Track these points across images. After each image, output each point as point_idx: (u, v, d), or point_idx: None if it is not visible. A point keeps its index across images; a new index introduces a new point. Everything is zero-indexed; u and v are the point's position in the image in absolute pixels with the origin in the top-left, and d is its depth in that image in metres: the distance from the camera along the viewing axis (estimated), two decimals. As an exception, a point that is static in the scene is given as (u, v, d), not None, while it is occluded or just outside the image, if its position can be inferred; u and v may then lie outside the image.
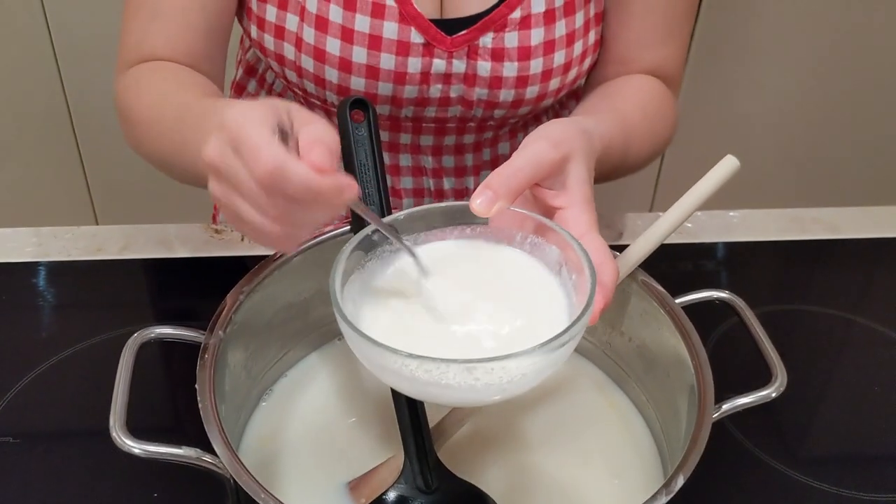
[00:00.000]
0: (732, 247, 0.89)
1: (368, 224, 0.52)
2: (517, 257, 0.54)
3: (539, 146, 0.53)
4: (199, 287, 0.82)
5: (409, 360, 0.44)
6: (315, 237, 0.64)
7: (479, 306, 0.51)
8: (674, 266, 0.85)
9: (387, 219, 0.54)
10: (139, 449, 0.50)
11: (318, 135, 0.47)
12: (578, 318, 0.46)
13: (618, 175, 0.73)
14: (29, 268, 0.83)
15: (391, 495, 0.55)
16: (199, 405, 0.51)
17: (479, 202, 0.50)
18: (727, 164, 0.60)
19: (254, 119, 0.46)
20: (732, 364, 0.67)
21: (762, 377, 0.58)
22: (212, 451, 0.50)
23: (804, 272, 0.89)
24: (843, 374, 0.77)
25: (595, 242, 0.52)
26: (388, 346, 0.45)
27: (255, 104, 0.48)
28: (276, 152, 0.45)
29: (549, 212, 0.55)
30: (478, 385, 0.45)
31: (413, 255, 0.53)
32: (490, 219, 0.53)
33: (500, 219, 0.54)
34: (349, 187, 0.46)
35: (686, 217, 0.59)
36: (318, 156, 0.45)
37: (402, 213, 0.54)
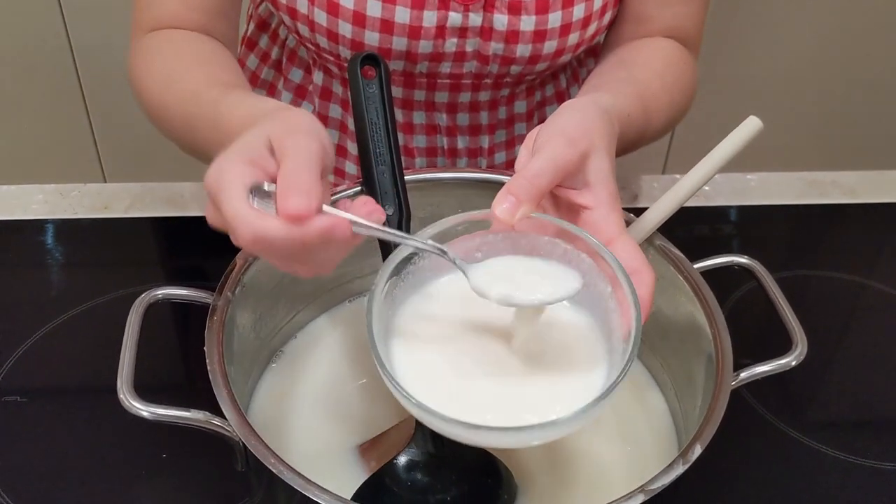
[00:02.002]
0: (749, 210, 0.88)
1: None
2: (547, 270, 0.51)
3: (556, 146, 0.51)
4: (207, 246, 0.80)
5: (461, 427, 0.44)
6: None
7: (521, 338, 0.49)
8: (689, 230, 0.84)
9: (418, 234, 0.51)
10: (147, 412, 0.49)
11: (293, 171, 0.46)
12: (622, 372, 0.44)
13: (635, 148, 0.71)
14: (35, 225, 0.82)
15: (402, 459, 0.54)
16: (208, 368, 0.51)
17: (501, 209, 0.49)
18: (749, 126, 0.58)
19: (228, 183, 0.46)
20: (748, 331, 0.66)
21: (779, 344, 0.57)
22: (221, 414, 0.50)
23: (821, 236, 0.87)
24: (860, 340, 0.76)
25: (627, 247, 0.50)
26: (441, 413, 0.44)
27: (232, 155, 0.47)
28: (251, 222, 0.44)
29: (574, 210, 0.53)
30: (532, 438, 0.45)
31: (443, 253, 0.49)
32: (514, 225, 0.51)
33: (523, 224, 0.51)
34: (338, 227, 0.45)
35: (706, 180, 0.57)
36: (294, 205, 0.44)
37: (429, 228, 0.51)
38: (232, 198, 0.45)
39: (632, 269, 0.48)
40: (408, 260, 0.51)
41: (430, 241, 0.49)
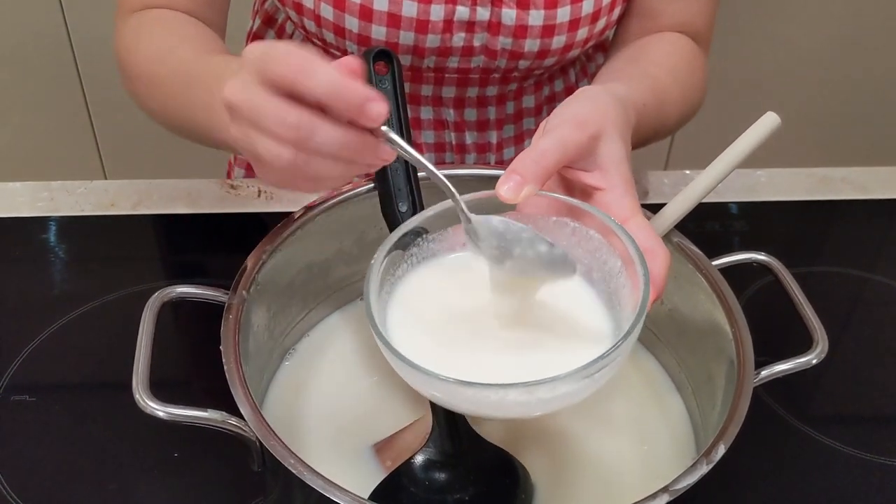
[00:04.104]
0: (759, 207, 0.87)
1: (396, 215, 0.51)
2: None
3: (564, 128, 0.50)
4: (213, 244, 0.80)
5: (466, 387, 0.42)
6: (336, 195, 0.62)
7: (525, 307, 0.48)
8: (699, 226, 0.83)
9: (415, 218, 0.51)
10: (163, 412, 0.49)
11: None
12: (633, 327, 0.43)
13: (650, 142, 0.70)
14: (40, 223, 0.81)
15: (419, 459, 0.54)
16: (225, 367, 0.50)
17: (506, 188, 0.48)
18: (767, 121, 0.57)
19: (280, 44, 0.45)
20: (765, 328, 0.65)
21: (795, 341, 0.56)
22: (236, 413, 0.49)
23: (832, 233, 0.87)
24: (875, 336, 0.75)
25: (641, 227, 0.49)
26: (442, 375, 0.43)
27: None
28: (305, 54, 0.43)
29: (586, 193, 0.52)
30: (537, 401, 0.43)
31: (465, 213, 0.48)
32: (519, 206, 0.50)
33: (530, 204, 0.51)
34: (376, 99, 0.43)
35: (724, 177, 0.57)
36: (348, 60, 0.44)
37: (429, 209, 0.51)
38: (285, 46, 0.44)
39: (645, 248, 0.47)
40: (413, 239, 0.51)
41: (441, 172, 0.48)
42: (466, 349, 0.48)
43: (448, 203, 0.50)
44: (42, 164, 1.62)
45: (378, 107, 0.43)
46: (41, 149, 1.62)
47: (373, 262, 0.48)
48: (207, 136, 0.63)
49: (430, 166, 0.47)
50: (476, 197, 0.51)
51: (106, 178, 1.50)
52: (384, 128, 0.45)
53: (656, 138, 0.71)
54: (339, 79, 0.43)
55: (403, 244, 0.50)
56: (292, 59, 0.43)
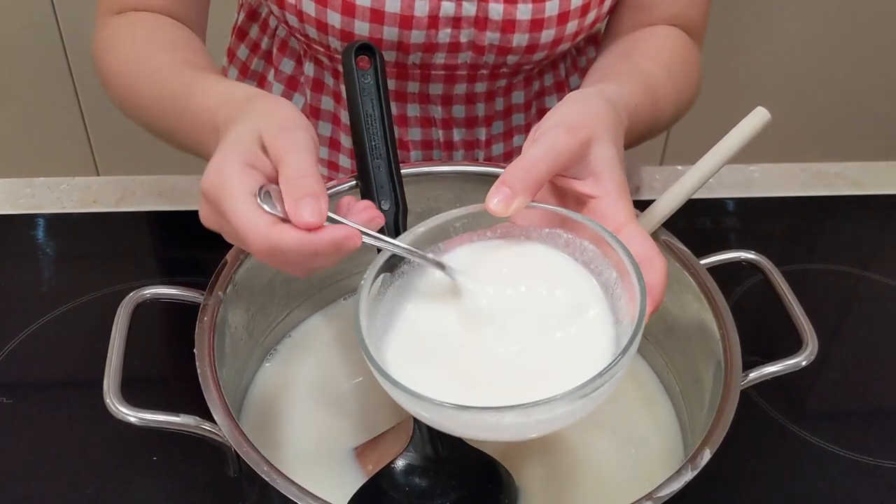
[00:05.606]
0: (752, 203, 0.86)
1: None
2: (548, 257, 0.49)
3: (554, 135, 0.49)
4: (198, 241, 0.77)
5: (462, 412, 0.41)
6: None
7: (518, 324, 0.47)
8: (691, 223, 0.82)
9: (405, 234, 0.50)
10: (135, 417, 0.48)
11: (301, 174, 0.45)
12: (630, 342, 0.42)
13: (643, 141, 0.69)
14: (22, 220, 0.80)
15: (399, 463, 0.53)
16: (198, 371, 0.49)
17: (496, 201, 0.46)
18: (757, 117, 0.56)
19: (233, 190, 0.45)
20: (754, 328, 0.65)
21: (785, 340, 0.55)
22: (212, 418, 0.48)
23: (826, 229, 0.86)
24: (869, 336, 0.74)
25: (636, 235, 0.48)
26: (436, 400, 0.42)
27: (229, 155, 0.47)
28: (266, 233, 0.44)
29: (580, 201, 0.51)
30: (535, 423, 0.42)
31: (442, 267, 0.49)
32: (512, 218, 0.49)
33: (522, 217, 0.49)
34: (348, 238, 0.45)
35: (713, 172, 0.56)
36: (309, 214, 0.44)
37: (420, 225, 0.50)
38: (241, 205, 0.45)
39: (642, 257, 0.46)
40: (401, 259, 0.49)
41: (430, 255, 0.49)
42: (459, 370, 0.47)
43: (437, 220, 0.50)
44: (34, 162, 1.61)
45: (351, 243, 0.45)
46: (33, 146, 1.61)
47: (362, 283, 0.47)
48: (193, 153, 0.63)
49: (401, 246, 0.48)
50: (467, 212, 0.50)
51: (99, 175, 1.49)
52: (364, 238, 0.46)
53: (650, 136, 0.70)
54: (309, 243, 0.44)
55: (391, 265, 0.49)
56: (256, 246, 0.45)
